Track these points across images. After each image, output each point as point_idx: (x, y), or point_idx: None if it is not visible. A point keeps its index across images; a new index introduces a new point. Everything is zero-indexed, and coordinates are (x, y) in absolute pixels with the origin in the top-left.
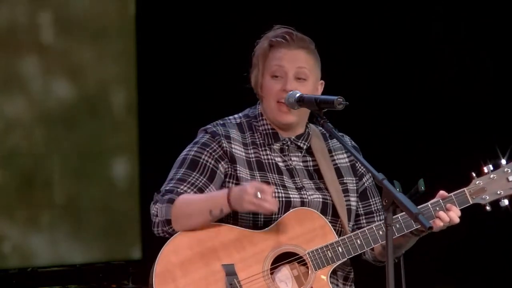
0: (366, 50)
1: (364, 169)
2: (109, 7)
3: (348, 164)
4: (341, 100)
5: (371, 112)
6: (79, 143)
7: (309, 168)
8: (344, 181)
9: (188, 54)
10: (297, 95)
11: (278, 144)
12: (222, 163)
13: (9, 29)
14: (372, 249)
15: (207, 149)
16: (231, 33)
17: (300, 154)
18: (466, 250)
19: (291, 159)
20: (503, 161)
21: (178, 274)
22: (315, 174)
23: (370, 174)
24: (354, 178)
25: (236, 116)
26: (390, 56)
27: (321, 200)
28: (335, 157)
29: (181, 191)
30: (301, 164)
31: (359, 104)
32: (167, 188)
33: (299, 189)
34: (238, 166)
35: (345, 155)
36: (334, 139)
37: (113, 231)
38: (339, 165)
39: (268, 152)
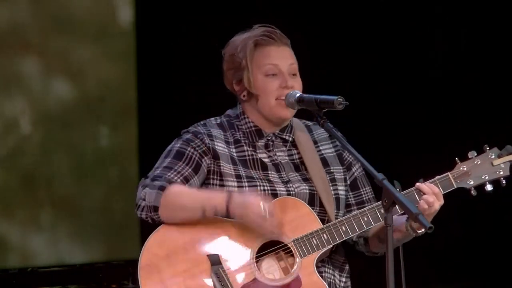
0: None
1: (352, 158)
2: (109, 7)
3: (335, 153)
4: (341, 100)
5: (369, 111)
6: (79, 143)
7: (295, 161)
8: (331, 170)
9: (188, 54)
10: (297, 95)
11: (262, 141)
12: (206, 158)
13: (9, 29)
14: (367, 242)
15: (191, 144)
16: (231, 34)
17: (285, 148)
18: (465, 249)
19: (276, 154)
20: (487, 147)
21: (163, 266)
22: (301, 166)
23: (359, 164)
24: (341, 167)
25: (216, 117)
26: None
27: (307, 191)
28: (320, 148)
29: (170, 177)
30: (286, 158)
31: (358, 103)
32: (156, 173)
33: (285, 182)
34: (221, 162)
35: (330, 145)
36: (318, 130)
37: (113, 231)
38: (325, 155)
39: (252, 149)
